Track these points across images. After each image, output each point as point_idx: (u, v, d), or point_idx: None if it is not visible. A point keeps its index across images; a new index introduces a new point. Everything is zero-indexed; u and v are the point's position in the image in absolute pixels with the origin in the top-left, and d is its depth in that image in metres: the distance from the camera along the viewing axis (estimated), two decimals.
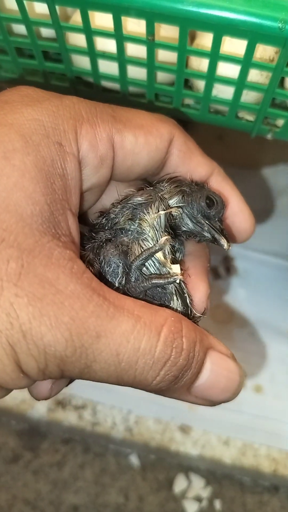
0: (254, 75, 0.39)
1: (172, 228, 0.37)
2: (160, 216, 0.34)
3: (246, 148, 0.95)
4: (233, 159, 0.96)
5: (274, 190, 0.96)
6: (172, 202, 0.36)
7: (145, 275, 0.33)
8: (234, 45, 0.37)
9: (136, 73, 0.42)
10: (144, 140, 0.34)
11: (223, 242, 0.36)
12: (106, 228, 0.35)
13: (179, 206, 0.37)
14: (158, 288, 0.33)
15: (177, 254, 0.37)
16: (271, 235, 0.90)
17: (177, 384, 0.31)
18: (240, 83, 0.39)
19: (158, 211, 0.34)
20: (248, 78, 0.39)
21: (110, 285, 0.32)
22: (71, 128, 0.31)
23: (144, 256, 0.33)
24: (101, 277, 0.33)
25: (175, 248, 0.37)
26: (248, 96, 0.42)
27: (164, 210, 0.35)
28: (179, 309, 0.34)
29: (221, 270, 0.89)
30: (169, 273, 0.33)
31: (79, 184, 0.32)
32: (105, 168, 0.34)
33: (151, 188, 0.37)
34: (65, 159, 0.30)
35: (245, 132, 0.47)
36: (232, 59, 0.37)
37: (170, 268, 0.33)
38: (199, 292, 0.36)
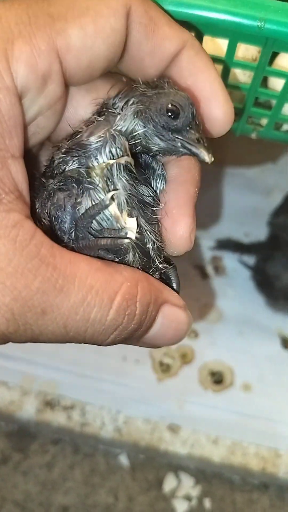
0: (237, 75, 0.39)
1: (143, 151, 0.32)
2: (111, 164, 0.30)
3: (234, 148, 0.96)
4: (221, 159, 0.96)
5: (262, 189, 0.96)
6: (130, 128, 0.31)
7: (94, 230, 0.30)
8: (215, 45, 0.37)
9: None
10: (94, 28, 0.28)
11: (203, 154, 0.30)
12: (56, 173, 0.31)
13: (138, 140, 0.31)
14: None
15: (159, 183, 0.33)
16: (260, 234, 0.91)
17: (127, 340, 0.30)
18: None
19: (112, 154, 0.30)
20: (230, 77, 0.39)
21: (60, 240, 0.30)
22: (1, 53, 0.26)
23: (89, 214, 0.29)
24: (52, 231, 0.30)
25: (155, 174, 0.33)
26: (231, 96, 0.42)
27: (118, 151, 0.30)
28: (136, 263, 0.31)
29: (209, 269, 0.89)
30: (122, 229, 0.30)
31: (20, 119, 0.27)
32: (52, 84, 0.28)
33: (102, 119, 0.31)
34: None
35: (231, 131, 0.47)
36: (215, 59, 0.37)
37: (125, 223, 0.30)
38: (180, 228, 0.32)
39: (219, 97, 0.31)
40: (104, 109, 0.31)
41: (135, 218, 0.30)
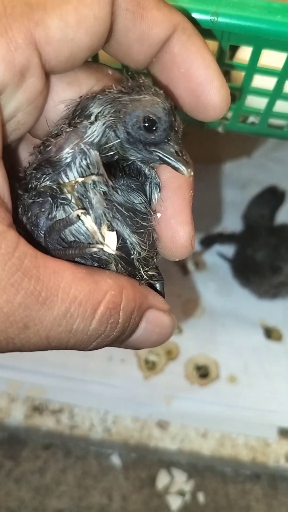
0: None
1: (120, 160, 0.31)
2: (80, 183, 0.28)
3: (210, 144, 0.96)
4: (198, 155, 0.96)
5: (238, 183, 0.97)
6: (104, 140, 0.29)
7: (67, 242, 0.29)
8: None
9: None
10: (75, 18, 0.26)
11: (182, 169, 0.29)
12: (30, 187, 0.29)
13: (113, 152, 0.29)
14: (93, 255, 0.29)
15: (153, 192, 0.32)
16: (237, 227, 0.92)
17: (109, 345, 0.30)
18: None
19: (83, 169, 0.28)
20: None
21: (41, 246, 0.29)
22: None
23: (55, 228, 0.28)
24: (33, 238, 0.30)
25: (149, 182, 0.31)
26: None
27: (90, 166, 0.28)
28: (120, 272, 0.30)
29: (190, 265, 0.89)
30: (96, 243, 0.29)
31: None
32: (31, 78, 0.26)
33: (71, 129, 0.29)
34: None
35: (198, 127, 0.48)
36: None
37: (103, 238, 0.28)
38: (180, 237, 0.31)
39: (214, 82, 0.30)
40: (77, 118, 0.29)
41: (114, 232, 0.29)
